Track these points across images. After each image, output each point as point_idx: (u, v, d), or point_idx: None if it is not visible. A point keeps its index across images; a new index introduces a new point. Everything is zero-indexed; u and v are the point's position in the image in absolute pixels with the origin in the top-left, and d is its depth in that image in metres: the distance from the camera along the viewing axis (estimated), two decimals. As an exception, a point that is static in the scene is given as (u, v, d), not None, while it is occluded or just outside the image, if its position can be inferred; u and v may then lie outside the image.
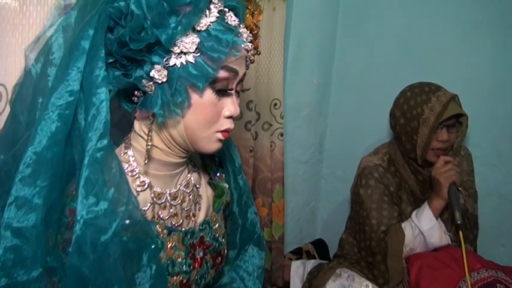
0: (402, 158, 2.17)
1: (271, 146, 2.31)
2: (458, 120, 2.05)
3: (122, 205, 0.97)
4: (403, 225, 2.02)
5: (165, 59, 0.99)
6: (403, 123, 2.09)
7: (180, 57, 0.99)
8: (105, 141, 0.95)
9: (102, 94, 0.95)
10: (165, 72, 0.99)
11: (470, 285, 1.68)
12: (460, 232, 1.78)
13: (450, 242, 1.98)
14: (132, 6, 0.94)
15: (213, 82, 1.04)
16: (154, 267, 1.03)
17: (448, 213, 2.06)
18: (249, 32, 1.11)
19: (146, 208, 1.11)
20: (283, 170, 2.40)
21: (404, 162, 2.17)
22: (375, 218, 2.08)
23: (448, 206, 1.99)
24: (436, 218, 1.97)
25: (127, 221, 0.99)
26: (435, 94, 1.99)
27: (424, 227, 1.96)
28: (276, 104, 2.30)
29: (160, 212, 1.15)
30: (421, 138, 2.00)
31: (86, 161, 0.93)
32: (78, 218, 0.91)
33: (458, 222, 1.82)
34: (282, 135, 2.35)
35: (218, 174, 1.39)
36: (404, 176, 2.17)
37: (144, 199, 1.11)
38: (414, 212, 2.03)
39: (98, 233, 0.92)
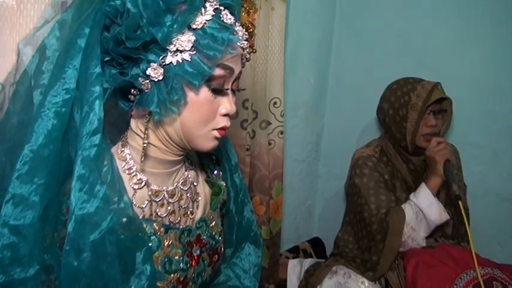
0: (393, 148, 2.25)
1: (269, 144, 2.31)
2: (442, 108, 2.14)
3: (113, 203, 0.97)
4: (403, 205, 2.07)
5: (161, 57, 0.99)
6: (392, 114, 2.17)
7: (176, 55, 0.99)
8: (97, 138, 0.95)
9: (96, 91, 0.95)
10: (161, 70, 0.99)
11: (466, 282, 1.70)
12: (460, 202, 1.86)
13: (449, 218, 2.04)
14: (128, 5, 0.94)
15: (209, 80, 1.04)
16: (149, 268, 1.03)
17: (442, 194, 2.13)
18: (244, 30, 1.11)
19: (144, 206, 1.12)
20: (282, 167, 2.41)
21: (396, 153, 2.25)
22: (373, 203, 2.12)
23: (446, 181, 2.05)
24: (434, 196, 2.03)
25: (124, 219, 0.99)
26: (420, 83, 2.11)
27: (423, 204, 2.01)
28: (275, 103, 2.30)
29: (157, 210, 1.15)
30: (411, 123, 2.09)
31: (78, 157, 0.93)
32: (71, 215, 0.92)
33: (456, 193, 1.90)
34: (282, 133, 2.35)
35: (215, 172, 1.39)
36: (397, 166, 2.24)
37: (141, 197, 1.12)
38: (412, 193, 2.10)
39: (88, 230, 0.92)
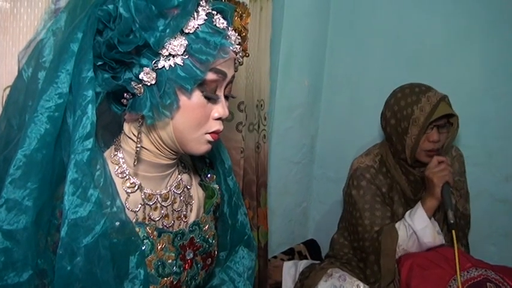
0: (393, 158, 2.19)
1: (258, 147, 2.30)
2: (449, 121, 2.06)
3: (106, 207, 0.98)
4: (396, 225, 2.03)
5: (153, 62, 0.99)
6: (393, 124, 2.10)
7: (169, 59, 0.99)
8: (90, 142, 0.95)
9: (89, 96, 0.95)
10: (154, 75, 0.99)
11: (461, 284, 1.70)
12: (453, 231, 1.79)
13: (444, 242, 1.99)
14: (121, 9, 0.94)
15: (201, 84, 1.04)
16: (142, 272, 1.04)
17: (440, 213, 2.08)
18: (237, 34, 1.12)
19: (137, 209, 1.12)
20: (266, 175, 2.37)
21: (396, 163, 2.18)
22: (367, 219, 2.09)
23: (441, 205, 1.99)
24: (430, 218, 1.98)
25: (117, 223, 1.00)
26: (425, 95, 2.00)
27: (417, 227, 1.97)
28: (261, 105, 2.28)
29: (151, 213, 1.16)
30: (411, 138, 2.01)
31: (71, 161, 0.94)
32: (64, 219, 0.92)
33: (451, 221, 1.83)
34: (265, 137, 2.32)
35: (209, 176, 1.39)
36: (396, 177, 2.18)
37: (134, 200, 1.12)
38: (408, 212, 2.05)
39: (81, 235, 0.93)
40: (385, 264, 1.99)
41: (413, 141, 2.01)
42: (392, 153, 2.19)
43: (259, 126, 2.30)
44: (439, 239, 1.98)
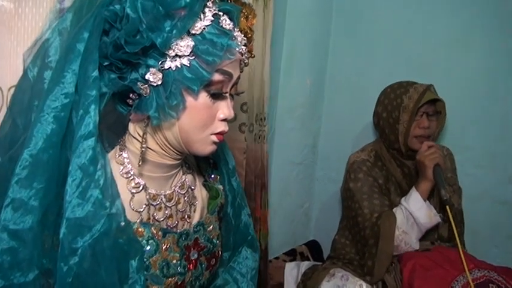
0: (388, 152, 2.27)
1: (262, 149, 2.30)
2: (436, 110, 2.16)
3: (105, 209, 0.96)
4: (394, 210, 2.09)
5: (160, 62, 0.99)
6: (385, 117, 2.21)
7: (175, 60, 0.99)
8: (92, 142, 0.95)
9: (92, 95, 0.95)
10: (160, 75, 0.99)
11: (462, 285, 1.70)
12: (448, 207, 1.88)
13: (440, 220, 2.06)
14: (128, 10, 0.94)
15: (207, 85, 1.04)
16: (142, 277, 1.03)
17: (436, 197, 2.14)
18: (243, 35, 1.12)
19: (141, 210, 1.12)
20: (265, 176, 2.36)
21: (390, 157, 2.27)
22: (367, 208, 2.14)
23: (435, 186, 2.06)
24: (424, 200, 2.04)
25: (122, 223, 1.00)
26: (412, 86, 2.14)
27: (413, 208, 2.03)
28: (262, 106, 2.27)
29: (155, 214, 1.16)
30: (403, 124, 2.12)
31: (72, 161, 0.93)
32: (63, 219, 0.92)
33: (445, 198, 1.90)
34: (264, 137, 2.31)
35: (213, 176, 1.39)
36: (391, 170, 2.25)
37: (139, 201, 1.12)
38: (403, 198, 2.11)
39: (78, 235, 0.92)
40: (382, 247, 2.03)
41: (405, 127, 2.12)
42: (386, 147, 2.27)
43: (258, 126, 2.29)
44: (436, 219, 2.06)
